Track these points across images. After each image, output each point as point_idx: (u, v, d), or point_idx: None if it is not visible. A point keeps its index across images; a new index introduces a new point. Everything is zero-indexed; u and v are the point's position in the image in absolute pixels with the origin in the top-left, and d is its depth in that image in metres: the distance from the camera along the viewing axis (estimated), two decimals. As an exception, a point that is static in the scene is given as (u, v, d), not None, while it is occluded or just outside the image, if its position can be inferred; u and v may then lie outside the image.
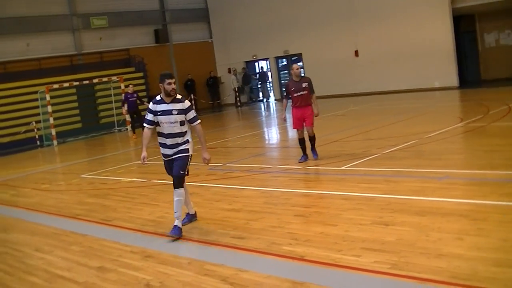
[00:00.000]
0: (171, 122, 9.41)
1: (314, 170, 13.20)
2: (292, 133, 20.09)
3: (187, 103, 9.54)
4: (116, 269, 8.14)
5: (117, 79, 32.63)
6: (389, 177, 11.35)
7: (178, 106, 9.40)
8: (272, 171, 14.05)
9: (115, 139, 29.38)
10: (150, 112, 9.47)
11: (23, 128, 30.84)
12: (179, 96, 9.53)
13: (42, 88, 30.17)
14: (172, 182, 9.72)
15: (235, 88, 38.73)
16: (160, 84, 9.31)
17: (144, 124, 9.62)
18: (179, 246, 8.86)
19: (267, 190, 11.88)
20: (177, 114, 9.39)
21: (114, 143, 27.95)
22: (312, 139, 14.37)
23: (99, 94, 35.31)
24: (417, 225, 8.08)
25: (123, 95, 29.19)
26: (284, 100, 14.81)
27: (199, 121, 9.67)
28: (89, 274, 8.11)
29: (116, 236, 10.07)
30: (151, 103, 9.53)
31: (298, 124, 14.32)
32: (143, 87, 36.11)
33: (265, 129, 25.46)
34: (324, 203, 10.27)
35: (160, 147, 9.87)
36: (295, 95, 14.14)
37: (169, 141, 9.64)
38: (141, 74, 36.94)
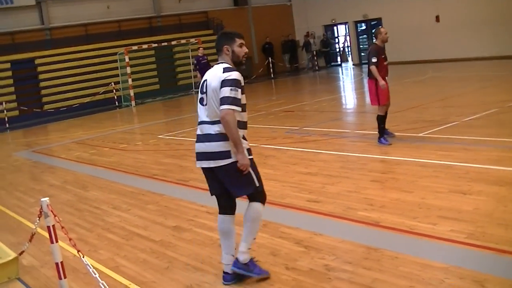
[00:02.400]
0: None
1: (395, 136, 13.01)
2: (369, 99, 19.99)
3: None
4: (191, 229, 8.23)
5: (196, 42, 32.74)
6: (468, 146, 11.10)
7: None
8: (349, 136, 13.95)
9: (193, 101, 29.53)
10: (241, 88, 6.03)
11: (102, 89, 31.35)
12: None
13: (122, 50, 30.57)
14: None
15: (313, 51, 38.43)
16: (226, 47, 6.29)
17: (234, 108, 5.88)
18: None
19: (344, 155, 11.80)
20: None
21: (192, 105, 28.08)
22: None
23: (177, 56, 35.59)
24: (495, 195, 7.91)
25: (193, 58, 29.34)
26: (373, 67, 12.09)
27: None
28: (165, 233, 8.22)
29: (192, 196, 10.17)
30: (236, 73, 6.05)
31: (388, 98, 12.48)
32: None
33: (343, 94, 25.24)
34: (400, 169, 10.10)
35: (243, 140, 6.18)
36: (384, 63, 12.29)
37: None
38: (219, 37, 36.95)
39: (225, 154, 6.03)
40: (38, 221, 6.42)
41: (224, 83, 5.92)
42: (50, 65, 31.45)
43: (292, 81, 33.93)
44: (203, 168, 6.33)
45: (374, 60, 11.98)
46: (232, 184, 6.25)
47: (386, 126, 12.53)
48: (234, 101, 5.87)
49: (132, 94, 30.01)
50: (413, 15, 32.33)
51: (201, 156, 6.21)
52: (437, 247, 6.44)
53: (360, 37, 38.71)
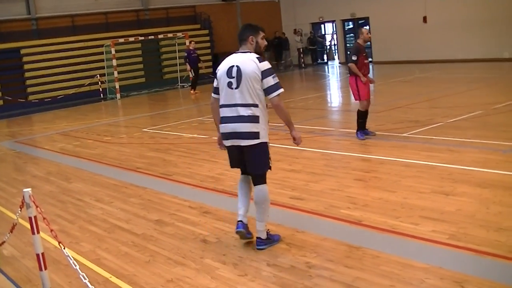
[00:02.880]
0: None
1: (377, 135, 13.01)
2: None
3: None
4: (173, 223, 8.23)
5: (183, 36, 32.70)
6: (452, 147, 11.14)
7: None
8: (334, 134, 13.99)
9: (178, 95, 29.58)
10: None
11: (88, 81, 31.25)
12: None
13: (108, 42, 30.47)
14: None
15: (299, 49, 38.45)
16: (252, 37, 6.98)
17: (280, 92, 6.84)
18: (236, 204, 8.83)
19: (328, 153, 11.83)
20: None
21: (177, 99, 28.15)
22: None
23: (163, 49, 35.52)
24: (478, 196, 7.95)
25: (184, 51, 29.36)
26: (353, 64, 12.66)
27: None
28: (147, 226, 8.22)
29: (175, 190, 10.18)
30: (266, 61, 6.91)
31: (369, 94, 12.94)
32: (208, 44, 36.14)
33: (329, 92, 25.28)
34: (384, 168, 10.12)
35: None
36: (365, 61, 12.84)
37: None
38: (206, 32, 36.95)
39: (255, 135, 6.82)
40: (19, 211, 6.39)
41: (265, 73, 6.76)
42: (36, 55, 31.26)
43: (278, 78, 33.87)
44: (231, 146, 7.07)
45: (354, 58, 12.61)
46: (253, 162, 6.98)
47: (368, 125, 12.99)
48: (278, 86, 6.85)
49: (117, 86, 29.94)
50: (401, 15, 32.41)
51: (233, 135, 6.91)
52: (419, 247, 6.46)
53: (347, 35, 38.76)
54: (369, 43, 12.97)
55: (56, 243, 7.38)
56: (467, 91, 19.00)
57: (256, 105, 6.78)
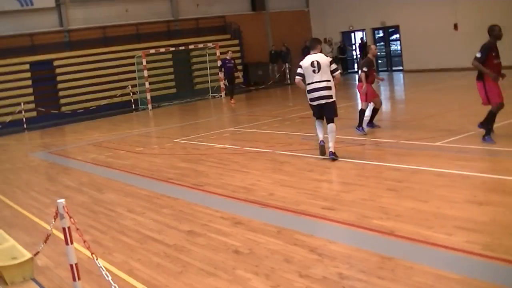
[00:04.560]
0: None
1: (407, 144, 12.93)
2: (386, 107, 19.85)
3: None
4: (205, 234, 8.23)
5: (213, 46, 32.78)
6: (485, 156, 11.07)
7: None
8: (365, 144, 13.89)
9: (209, 105, 29.62)
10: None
11: (120, 92, 31.44)
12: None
13: (139, 53, 30.63)
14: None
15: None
16: (319, 46, 12.63)
17: (340, 70, 13.88)
18: (269, 214, 8.87)
19: (360, 163, 11.74)
20: None
21: (208, 109, 28.18)
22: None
23: (194, 60, 35.57)
24: (512, 206, 7.85)
25: (219, 61, 29.49)
26: (363, 74, 15.34)
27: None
28: (179, 237, 8.23)
29: (207, 201, 10.19)
30: (329, 57, 12.76)
31: (373, 96, 15.62)
32: (238, 54, 36.14)
33: (359, 101, 25.14)
34: (416, 178, 10.04)
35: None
36: (374, 73, 15.66)
37: None
38: (236, 42, 36.95)
39: (331, 97, 12.28)
40: (53, 222, 6.43)
41: (331, 62, 12.40)
42: (68, 67, 31.55)
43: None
44: (317, 104, 12.41)
45: (365, 69, 15.29)
46: (329, 112, 12.37)
47: (399, 134, 14.07)
48: (338, 68, 12.78)
49: (149, 97, 30.05)
50: (431, 22, 32.14)
51: (320, 98, 12.26)
52: (452, 258, 6.40)
53: (378, 44, 38.57)
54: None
55: (89, 254, 7.43)
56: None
57: (330, 80, 12.21)
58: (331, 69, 12.17)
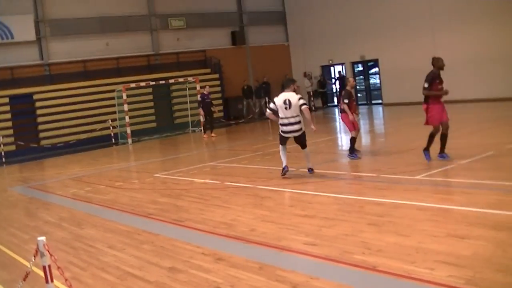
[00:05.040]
0: None
1: (388, 178, 12.98)
2: (366, 140, 19.93)
3: None
4: (187, 270, 8.16)
5: (193, 80, 32.88)
6: (466, 189, 11.10)
7: None
8: (346, 178, 13.93)
9: (189, 140, 29.62)
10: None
11: (100, 126, 31.39)
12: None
13: (120, 87, 30.66)
14: None
15: (309, 92, 38.57)
16: (293, 85, 14.67)
17: (307, 104, 14.93)
18: (251, 250, 8.82)
19: (341, 197, 11.75)
20: None
21: (188, 144, 28.18)
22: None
23: (174, 94, 35.69)
24: (494, 239, 7.86)
25: (199, 95, 29.60)
26: (345, 106, 16.35)
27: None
28: (160, 274, 8.16)
29: (188, 237, 10.11)
30: (299, 95, 14.80)
31: (357, 126, 16.70)
32: (219, 88, 36.30)
33: (339, 135, 25.25)
34: (398, 212, 10.05)
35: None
36: (354, 103, 16.80)
37: None
38: (216, 76, 37.14)
39: (301, 129, 14.40)
40: (33, 260, 6.37)
41: (299, 98, 14.35)
42: (49, 100, 31.51)
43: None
44: (288, 136, 14.59)
45: (346, 101, 16.36)
46: (301, 141, 14.57)
47: (379, 167, 14.25)
48: (305, 102, 14.53)
49: (129, 131, 30.04)
50: (410, 56, 32.37)
51: (291, 132, 14.41)
52: (435, 293, 6.39)
53: (357, 77, 38.82)
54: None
55: (69, 291, 7.38)
56: (479, 131, 19.01)
57: (298, 115, 14.26)
58: (299, 104, 14.22)
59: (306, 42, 40.02)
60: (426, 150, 14.50)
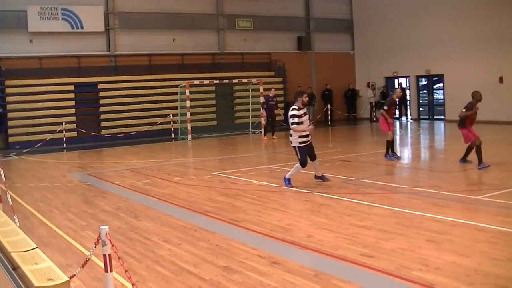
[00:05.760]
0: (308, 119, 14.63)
1: (448, 196, 12.78)
2: (425, 155, 19.71)
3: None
4: (242, 271, 8.15)
5: (257, 82, 32.94)
6: (529, 213, 10.87)
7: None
8: (405, 192, 13.73)
9: (248, 141, 29.66)
10: (297, 116, 14.42)
11: (161, 120, 31.65)
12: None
13: (183, 83, 30.87)
14: None
15: (372, 103, 38.30)
16: (300, 98, 14.53)
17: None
18: (307, 257, 8.77)
19: (399, 211, 11.58)
20: None
21: (247, 145, 28.22)
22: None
23: (237, 94, 35.86)
24: (558, 266, 7.68)
25: (262, 97, 29.63)
26: (384, 111, 18.59)
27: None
28: (215, 272, 8.16)
29: (244, 237, 10.10)
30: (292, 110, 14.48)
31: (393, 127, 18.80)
32: (281, 92, 36.25)
33: (399, 148, 24.97)
34: (457, 231, 9.87)
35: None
36: (393, 112, 19.17)
37: None
38: (280, 79, 37.15)
39: (291, 142, 14.64)
40: (94, 248, 6.42)
41: (290, 117, 14.46)
42: (112, 91, 32.01)
43: (349, 130, 33.73)
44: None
45: (386, 108, 18.58)
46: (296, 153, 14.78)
47: (440, 184, 13.91)
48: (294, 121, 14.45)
49: (189, 127, 30.23)
50: (476, 74, 31.90)
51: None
52: (494, 317, 6.27)
53: (421, 91, 38.39)
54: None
55: (123, 281, 7.45)
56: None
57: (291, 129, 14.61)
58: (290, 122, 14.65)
59: (372, 52, 39.77)
60: (480, 162, 16.00)
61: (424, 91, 38.40)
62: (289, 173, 14.80)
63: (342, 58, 41.00)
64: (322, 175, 15.07)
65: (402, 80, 39.82)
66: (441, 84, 36.31)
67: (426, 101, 37.95)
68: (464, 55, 32.85)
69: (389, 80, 40.11)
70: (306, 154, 14.42)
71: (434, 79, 36.94)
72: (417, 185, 14.45)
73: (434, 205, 12.10)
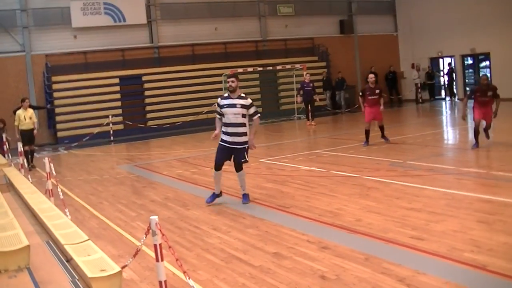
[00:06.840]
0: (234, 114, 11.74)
1: (498, 175, 12.61)
2: (473, 135, 19.47)
3: (249, 100, 11.84)
4: (291, 257, 8.14)
5: (300, 67, 32.81)
6: None
7: (242, 101, 11.77)
8: (454, 173, 13.56)
9: (294, 127, 29.61)
10: (218, 106, 12.25)
11: (206, 109, 31.74)
12: (243, 94, 11.92)
13: (227, 72, 30.85)
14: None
15: (417, 84, 37.88)
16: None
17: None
18: (356, 240, 8.72)
19: (449, 192, 11.45)
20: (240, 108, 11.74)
21: (293, 131, 28.18)
22: None
23: (281, 81, 35.74)
24: None
25: (299, 83, 29.54)
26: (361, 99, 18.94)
27: (258, 115, 11.95)
28: (264, 259, 8.16)
29: (293, 223, 10.08)
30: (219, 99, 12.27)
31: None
32: (325, 76, 36.01)
33: (446, 129, 24.73)
34: (509, 211, 9.72)
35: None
36: (368, 98, 18.61)
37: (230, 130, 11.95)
38: (324, 64, 36.94)
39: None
40: (144, 237, 6.47)
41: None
42: (157, 82, 32.19)
43: (395, 113, 33.41)
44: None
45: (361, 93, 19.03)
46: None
47: (489, 163, 13.72)
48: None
49: (234, 115, 30.16)
50: (524, 51, 31.41)
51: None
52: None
53: (466, 71, 37.83)
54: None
55: (174, 269, 7.50)
56: None
57: None
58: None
59: (415, 33, 39.24)
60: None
61: (470, 70, 37.85)
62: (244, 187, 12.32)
63: (386, 40, 40.52)
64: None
65: (446, 60, 39.27)
66: (487, 63, 35.74)
67: (472, 81, 37.40)
68: (510, 31, 32.26)
69: (434, 60, 39.59)
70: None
71: (480, 57, 36.39)
72: (467, 166, 14.26)
73: (484, 185, 11.97)
